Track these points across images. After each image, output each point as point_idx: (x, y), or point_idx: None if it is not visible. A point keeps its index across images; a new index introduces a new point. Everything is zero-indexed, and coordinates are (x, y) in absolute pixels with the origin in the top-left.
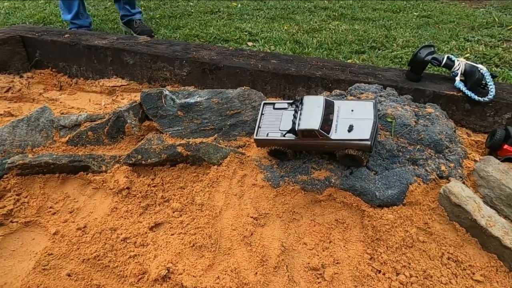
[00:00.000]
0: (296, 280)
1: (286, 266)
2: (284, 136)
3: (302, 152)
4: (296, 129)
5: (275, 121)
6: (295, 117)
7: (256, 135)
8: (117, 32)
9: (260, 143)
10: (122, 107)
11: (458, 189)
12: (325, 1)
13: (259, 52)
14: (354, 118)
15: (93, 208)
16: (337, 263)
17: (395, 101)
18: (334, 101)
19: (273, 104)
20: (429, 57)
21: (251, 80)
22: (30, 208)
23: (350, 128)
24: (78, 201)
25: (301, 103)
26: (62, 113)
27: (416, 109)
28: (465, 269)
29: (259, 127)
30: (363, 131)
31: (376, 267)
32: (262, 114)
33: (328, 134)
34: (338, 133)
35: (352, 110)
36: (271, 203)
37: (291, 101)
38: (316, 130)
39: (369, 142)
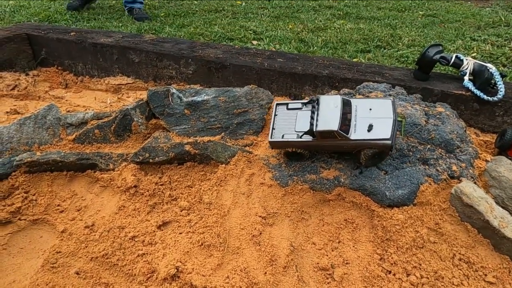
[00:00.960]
0: (306, 280)
1: (296, 266)
2: (301, 137)
3: (311, 151)
4: (314, 131)
5: (290, 122)
6: (312, 118)
7: (271, 137)
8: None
9: (275, 145)
10: (128, 105)
11: (470, 190)
12: (330, 0)
13: (265, 50)
14: (373, 117)
15: (100, 206)
16: (347, 263)
17: (404, 100)
18: (351, 99)
19: (287, 104)
20: (437, 56)
21: (257, 78)
22: (38, 205)
23: (370, 128)
24: (85, 199)
25: (318, 103)
26: (68, 111)
27: (426, 109)
28: (477, 271)
29: (273, 128)
30: (383, 130)
31: (386, 267)
32: (275, 115)
33: (347, 134)
34: (357, 133)
35: (370, 109)
36: (279, 202)
37: (306, 101)
38: (336, 131)
39: (390, 142)
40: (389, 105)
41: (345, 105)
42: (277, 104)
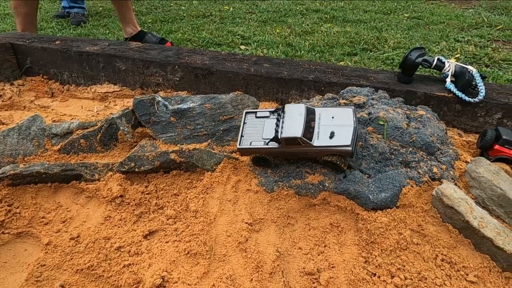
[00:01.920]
0: (292, 285)
1: (282, 271)
2: (267, 144)
3: (277, 157)
4: (279, 137)
5: (258, 129)
6: (277, 125)
7: (240, 145)
8: (109, 37)
9: (244, 152)
10: (114, 114)
11: (451, 191)
12: (317, 4)
13: (252, 56)
14: (335, 125)
15: (86, 217)
16: (332, 267)
17: (386, 104)
18: (315, 108)
19: (255, 112)
20: (420, 59)
21: (244, 84)
22: (22, 218)
23: (332, 135)
24: (71, 211)
25: (283, 111)
26: (54, 121)
27: (407, 112)
28: (458, 270)
29: (242, 136)
30: (344, 137)
31: (371, 270)
32: (244, 123)
33: (311, 141)
34: (320, 140)
35: (333, 117)
36: (265, 208)
37: (273, 110)
38: (299, 137)
39: (350, 148)
40: (350, 113)
41: (309, 113)
42: (246, 113)
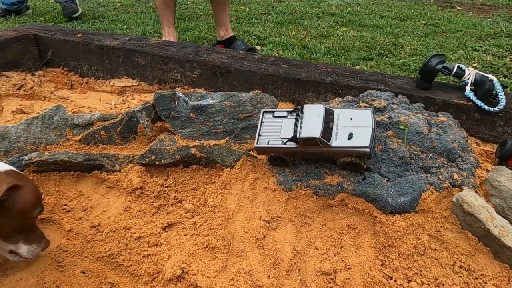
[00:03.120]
0: (308, 284)
1: (298, 270)
2: (285, 144)
3: (294, 157)
4: (298, 138)
5: (275, 129)
6: (296, 125)
7: (257, 143)
8: (127, 33)
9: (261, 151)
10: (135, 107)
11: (471, 198)
12: (333, 7)
13: (270, 56)
14: (354, 126)
15: (106, 207)
16: (349, 268)
17: (407, 109)
18: (334, 109)
19: (273, 112)
20: (440, 66)
21: (261, 84)
22: (45, 204)
23: (350, 136)
24: (91, 200)
25: (302, 111)
26: (74, 112)
27: (428, 117)
28: (477, 278)
29: (259, 135)
30: (362, 139)
31: (388, 273)
32: (262, 122)
33: (329, 142)
34: (338, 141)
35: (351, 118)
36: (283, 206)
37: (291, 110)
38: (318, 138)
39: (368, 150)
40: (369, 115)
41: (327, 114)
42: (264, 112)
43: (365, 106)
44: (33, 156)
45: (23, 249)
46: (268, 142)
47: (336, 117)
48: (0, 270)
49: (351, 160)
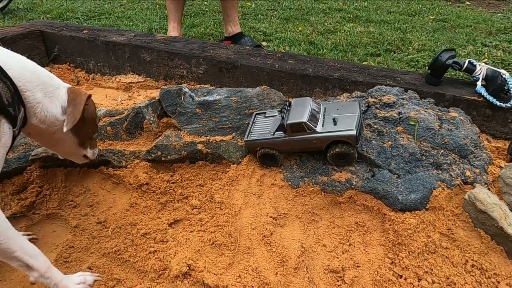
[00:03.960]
0: (316, 282)
1: (306, 267)
2: (273, 134)
3: (284, 151)
4: (285, 124)
5: (266, 126)
6: (283, 114)
7: (246, 138)
8: (133, 29)
9: (251, 145)
10: (141, 103)
11: (484, 196)
12: (340, 3)
13: (276, 52)
14: (339, 115)
15: (112, 203)
16: (357, 266)
17: (417, 105)
18: (321, 102)
19: (264, 113)
20: (450, 61)
21: (267, 79)
22: (51, 200)
23: (335, 122)
24: (98, 195)
25: (289, 105)
26: None
27: (439, 113)
28: (489, 278)
29: (249, 132)
30: (347, 124)
31: (398, 272)
32: (253, 122)
33: (315, 128)
34: (324, 127)
35: (338, 109)
36: (290, 203)
37: (281, 109)
38: (304, 122)
39: (354, 132)
40: (355, 105)
41: (314, 105)
42: (256, 114)
43: (374, 102)
44: (39, 152)
45: (90, 152)
46: (258, 136)
47: (322, 109)
48: (5, 265)
49: (340, 150)
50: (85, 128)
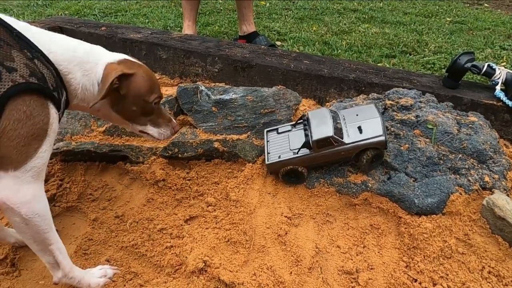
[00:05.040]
0: (330, 283)
1: (320, 268)
2: (297, 153)
3: (310, 167)
4: (311, 141)
5: (283, 143)
6: (306, 130)
7: (268, 160)
8: (148, 26)
9: (274, 167)
10: None
11: (503, 202)
12: (355, 3)
13: (291, 52)
14: (361, 120)
15: (129, 198)
16: (372, 268)
17: (435, 108)
18: (338, 111)
19: (276, 129)
20: (469, 64)
21: (282, 79)
22: (71, 193)
23: (360, 130)
24: (115, 190)
25: (307, 119)
26: None
27: (458, 117)
28: (507, 285)
29: (268, 153)
30: (374, 129)
31: (412, 275)
32: (267, 141)
33: (342, 139)
34: (351, 137)
35: (357, 115)
36: (305, 203)
37: (293, 123)
38: (331, 136)
39: (383, 138)
40: (372, 108)
41: (333, 115)
42: (267, 131)
43: (391, 104)
44: (60, 146)
45: (153, 130)
46: (279, 157)
47: (342, 117)
48: (28, 254)
49: (371, 155)
50: (126, 105)
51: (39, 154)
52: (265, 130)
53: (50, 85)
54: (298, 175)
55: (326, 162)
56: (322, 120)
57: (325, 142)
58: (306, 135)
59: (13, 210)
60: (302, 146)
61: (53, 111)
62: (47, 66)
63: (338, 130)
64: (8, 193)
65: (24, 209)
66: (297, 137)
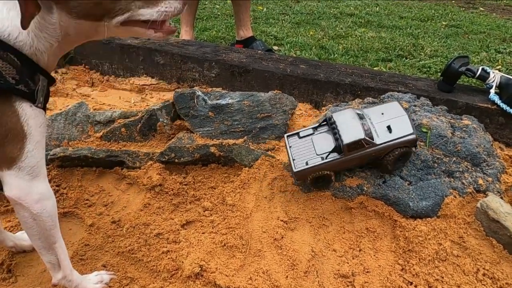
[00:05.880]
0: (326, 286)
1: (316, 271)
2: (326, 158)
3: (338, 171)
4: (342, 145)
5: (308, 148)
6: (335, 134)
7: (295, 168)
8: None
9: (302, 174)
10: (155, 105)
11: (497, 204)
12: (351, 8)
13: (288, 56)
14: (388, 119)
15: (126, 203)
16: (367, 272)
17: (429, 112)
18: (362, 110)
19: (297, 133)
20: (463, 68)
21: (279, 84)
22: (68, 199)
23: (390, 130)
24: (112, 195)
25: (333, 121)
26: (94, 109)
27: (452, 121)
28: (501, 287)
29: (293, 159)
30: (404, 128)
31: (408, 278)
32: (290, 147)
33: (373, 140)
34: (381, 137)
35: (382, 113)
36: (301, 207)
37: (316, 125)
38: (363, 139)
39: (414, 136)
40: (397, 105)
41: (360, 115)
42: (288, 136)
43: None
44: (57, 152)
45: (147, 12)
46: (306, 163)
47: (367, 117)
48: (24, 260)
49: (403, 151)
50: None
51: (27, 154)
52: (285, 136)
53: (10, 79)
54: (326, 179)
55: (355, 165)
56: (350, 122)
57: (356, 145)
58: (337, 139)
59: (22, 206)
60: (332, 151)
61: (24, 107)
62: (2, 56)
63: (368, 131)
64: (17, 191)
65: (34, 206)
66: (321, 140)
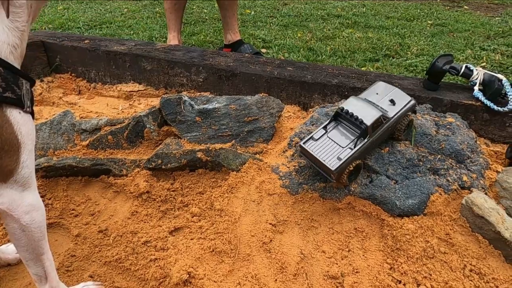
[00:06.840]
0: None
1: (306, 274)
2: (355, 146)
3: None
4: (367, 127)
5: (331, 146)
6: (356, 121)
7: (333, 167)
8: (133, 38)
9: (341, 170)
10: (141, 112)
11: (481, 200)
12: (338, 9)
13: (275, 59)
14: (386, 95)
15: (113, 211)
16: (357, 272)
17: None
18: (360, 95)
19: (311, 137)
20: (447, 66)
21: (267, 87)
22: (53, 209)
23: (393, 102)
24: (99, 204)
25: (345, 111)
26: (81, 117)
27: (436, 119)
28: (488, 282)
29: (324, 161)
30: (402, 97)
31: (397, 277)
32: (312, 152)
33: (388, 115)
34: (390, 111)
35: (377, 93)
36: (289, 210)
37: (326, 123)
38: (381, 115)
39: (414, 101)
40: (384, 84)
41: (364, 98)
42: (304, 143)
43: None
44: (41, 162)
45: None
46: (339, 158)
47: (369, 99)
48: (8, 274)
49: (409, 119)
50: None
51: (22, 165)
52: (301, 143)
53: None
54: (358, 169)
55: (376, 145)
56: (361, 107)
57: (377, 123)
58: (360, 122)
59: (12, 217)
60: (359, 136)
61: (14, 115)
62: None
63: (380, 108)
64: (9, 203)
65: (23, 217)
66: (338, 135)
